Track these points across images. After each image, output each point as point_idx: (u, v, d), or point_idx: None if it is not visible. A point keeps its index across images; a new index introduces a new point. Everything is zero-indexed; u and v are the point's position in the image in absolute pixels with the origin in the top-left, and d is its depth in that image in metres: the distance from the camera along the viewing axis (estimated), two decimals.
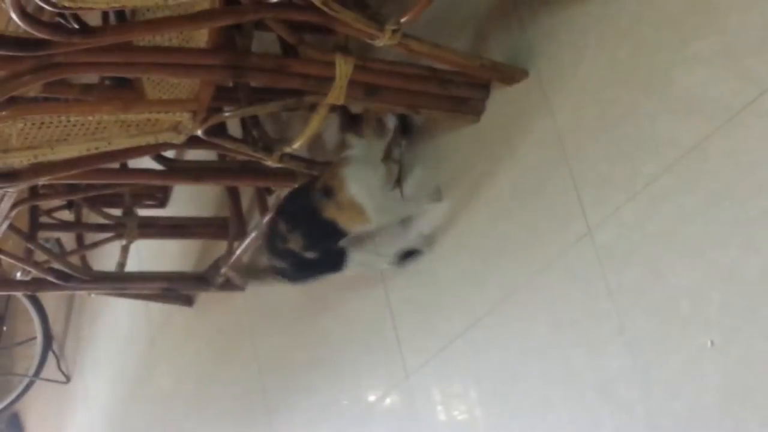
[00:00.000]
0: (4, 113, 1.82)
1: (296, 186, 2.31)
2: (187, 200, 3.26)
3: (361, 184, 2.18)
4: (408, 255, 2.27)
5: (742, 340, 1.64)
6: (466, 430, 2.22)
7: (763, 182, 1.61)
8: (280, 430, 2.95)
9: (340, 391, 2.66)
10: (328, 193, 2.18)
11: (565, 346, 1.96)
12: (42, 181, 2.24)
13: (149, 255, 3.48)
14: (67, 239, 3.48)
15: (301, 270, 2.28)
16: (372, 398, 2.54)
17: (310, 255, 2.23)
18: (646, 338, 1.80)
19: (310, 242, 2.21)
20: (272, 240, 2.26)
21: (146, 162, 2.45)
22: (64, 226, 3.04)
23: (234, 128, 2.43)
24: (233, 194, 2.92)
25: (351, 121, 2.24)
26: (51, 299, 4.43)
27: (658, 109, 1.79)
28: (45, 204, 2.88)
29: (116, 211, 2.97)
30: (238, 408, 3.21)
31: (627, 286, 1.84)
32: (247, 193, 2.94)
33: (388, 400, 2.48)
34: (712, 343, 1.68)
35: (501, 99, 2.12)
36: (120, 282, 2.95)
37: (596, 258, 1.89)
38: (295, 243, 2.22)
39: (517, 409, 2.07)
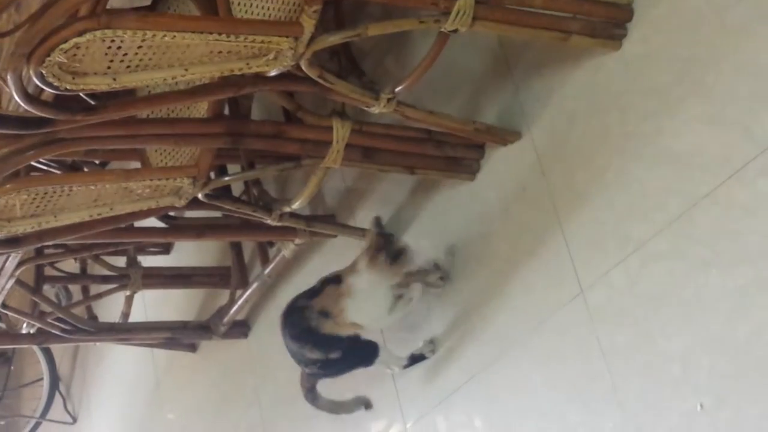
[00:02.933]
0: (8, 186, 1.86)
1: (293, 302, 2.32)
2: (190, 248, 3.30)
3: (362, 315, 2.23)
4: (416, 359, 2.30)
5: (731, 404, 1.67)
6: None
7: (749, 250, 1.65)
8: None
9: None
10: (327, 315, 2.23)
11: (560, 404, 2.00)
12: (46, 244, 2.29)
13: (154, 302, 3.52)
14: (73, 287, 3.52)
15: (334, 368, 2.32)
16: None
17: (334, 356, 2.27)
18: (639, 399, 1.83)
19: (324, 350, 2.26)
20: (294, 356, 2.32)
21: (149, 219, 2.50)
22: (69, 278, 3.08)
23: (235, 185, 2.48)
24: (235, 245, 2.96)
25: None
26: None
27: (648, 175, 1.83)
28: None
29: (121, 260, 3.01)
30: None
31: (619, 346, 1.87)
32: (249, 243, 2.98)
33: None
34: (701, 406, 1.71)
35: (496, 159, 2.16)
36: (124, 333, 2.98)
37: (588, 318, 1.93)
38: (312, 353, 2.27)
39: None
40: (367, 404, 2.42)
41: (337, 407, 2.44)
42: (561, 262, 1.99)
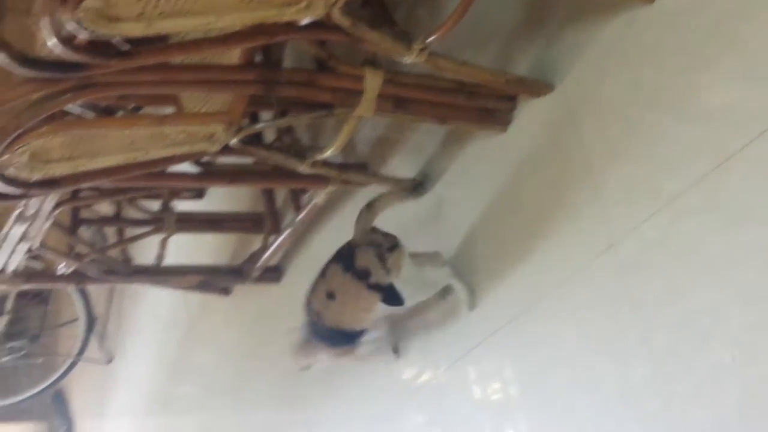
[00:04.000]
0: (44, 129, 1.88)
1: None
2: (223, 194, 3.33)
3: None
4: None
5: (762, 357, 1.67)
6: None
7: None
8: (315, 417, 3.02)
9: (376, 382, 2.72)
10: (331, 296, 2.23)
11: (589, 355, 2.01)
12: (82, 186, 2.32)
13: (187, 247, 3.56)
14: (108, 230, 3.56)
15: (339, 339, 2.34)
16: (407, 390, 2.60)
17: None
18: (669, 351, 1.83)
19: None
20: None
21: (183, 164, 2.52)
22: (104, 221, 3.12)
23: (267, 132, 2.49)
24: (268, 192, 2.98)
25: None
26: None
27: (680, 129, 1.81)
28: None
29: (155, 205, 3.04)
30: (274, 394, 3.28)
31: (649, 299, 1.87)
32: (281, 189, 3.00)
33: (418, 400, 2.54)
34: (732, 358, 1.72)
35: (528, 111, 2.15)
36: (158, 275, 3.02)
37: (619, 271, 1.93)
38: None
39: (541, 414, 2.12)
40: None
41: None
42: (592, 215, 1.98)
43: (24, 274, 2.79)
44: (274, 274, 3.12)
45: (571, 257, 2.04)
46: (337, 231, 2.88)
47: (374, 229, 2.27)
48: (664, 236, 1.84)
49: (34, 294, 4.77)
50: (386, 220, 2.32)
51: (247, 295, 3.39)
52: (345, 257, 2.22)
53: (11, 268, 2.69)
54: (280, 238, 2.87)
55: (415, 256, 2.28)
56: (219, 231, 3.18)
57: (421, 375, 2.53)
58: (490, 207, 2.27)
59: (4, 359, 4.36)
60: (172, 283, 3.16)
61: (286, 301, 3.16)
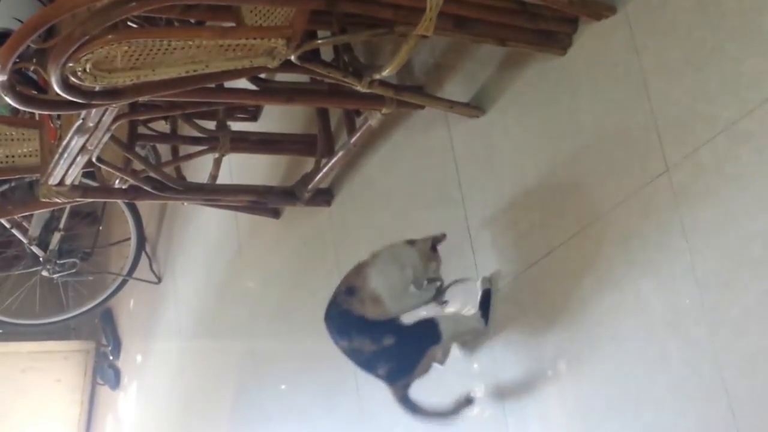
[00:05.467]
0: (109, 37, 1.91)
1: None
2: (277, 116, 3.35)
3: (382, 280, 2.27)
4: (486, 300, 2.36)
5: None
6: (541, 352, 2.31)
7: None
8: None
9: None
10: (351, 292, 2.29)
11: (637, 279, 2.02)
12: (142, 98, 2.35)
13: (240, 168, 3.60)
14: (163, 148, 3.60)
15: (402, 356, 2.29)
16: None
17: (388, 342, 2.27)
18: (717, 277, 1.85)
19: (373, 338, 2.27)
20: (359, 359, 2.32)
21: (241, 81, 2.54)
22: (160, 137, 3.16)
23: (326, 51, 2.50)
24: (322, 113, 3.00)
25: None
26: (145, 203, 4.59)
27: (744, 53, 1.80)
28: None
29: (210, 125, 3.07)
30: (319, 318, 3.32)
31: (701, 225, 1.88)
32: (336, 111, 3.01)
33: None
34: None
35: (588, 34, 2.15)
36: (211, 193, 3.06)
37: (672, 197, 1.94)
38: (365, 345, 2.29)
39: (587, 337, 2.14)
40: (469, 400, 2.32)
41: (440, 413, 2.32)
42: (648, 139, 1.99)
43: (81, 188, 2.84)
44: (324, 197, 3.15)
45: (625, 182, 2.05)
46: (390, 156, 2.90)
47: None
48: (720, 162, 1.85)
49: (86, 213, 4.86)
50: None
51: (296, 218, 3.42)
52: None
53: (69, 180, 2.74)
54: (333, 160, 2.89)
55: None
56: (272, 152, 3.21)
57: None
58: (545, 132, 2.28)
59: (56, 276, 4.44)
60: (224, 202, 3.20)
61: (335, 225, 3.19)
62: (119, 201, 4.36)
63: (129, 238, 4.52)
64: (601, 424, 2.09)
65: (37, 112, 2.58)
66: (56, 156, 2.57)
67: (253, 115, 3.39)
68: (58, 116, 2.59)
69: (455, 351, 2.39)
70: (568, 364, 2.22)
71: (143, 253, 4.57)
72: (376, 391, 2.40)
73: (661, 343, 1.95)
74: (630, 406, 2.02)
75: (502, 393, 2.37)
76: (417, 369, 2.26)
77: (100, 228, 4.77)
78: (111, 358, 5.17)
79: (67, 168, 2.63)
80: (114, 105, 2.25)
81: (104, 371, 5.21)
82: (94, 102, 2.17)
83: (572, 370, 2.20)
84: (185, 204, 3.62)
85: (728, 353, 1.81)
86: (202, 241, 4.24)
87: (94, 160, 2.66)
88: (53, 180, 2.68)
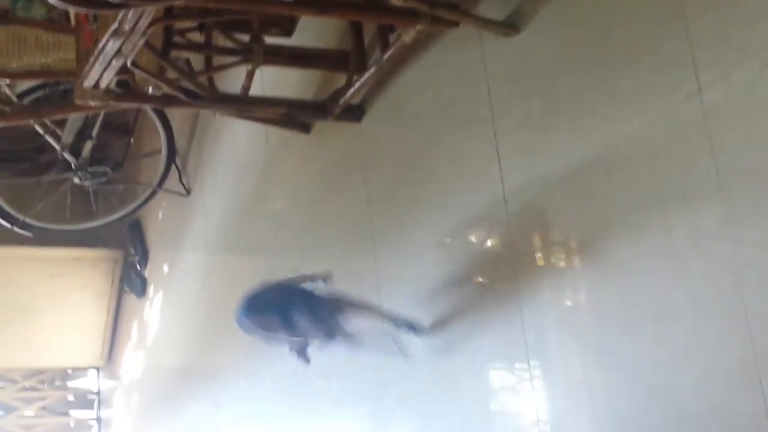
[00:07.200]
0: None
1: None
2: (311, 31, 3.36)
3: None
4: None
5: None
6: (561, 267, 2.34)
7: None
8: (383, 258, 3.10)
9: (443, 227, 2.79)
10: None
11: (662, 197, 2.04)
12: (178, 2, 2.37)
13: (271, 81, 3.62)
14: (196, 61, 3.62)
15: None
16: (473, 233, 2.66)
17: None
18: (744, 197, 1.86)
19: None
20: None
21: None
22: (194, 47, 3.17)
23: None
24: (356, 29, 3.00)
25: None
26: (177, 116, 4.63)
27: None
28: (178, 25, 3.01)
29: (244, 38, 3.08)
30: (344, 235, 3.36)
31: (730, 146, 1.89)
32: (369, 28, 3.02)
33: (487, 238, 2.60)
34: None
35: None
36: (243, 104, 3.09)
37: (703, 117, 1.94)
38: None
39: (607, 255, 2.17)
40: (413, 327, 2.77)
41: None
42: (681, 59, 1.99)
43: (115, 92, 2.88)
44: (355, 113, 3.17)
45: (656, 102, 2.06)
46: (422, 75, 2.91)
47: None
48: (753, 84, 1.85)
49: (118, 124, 4.90)
50: None
51: (326, 134, 3.45)
52: None
53: (104, 84, 2.77)
54: (365, 76, 2.90)
55: None
56: (305, 66, 3.22)
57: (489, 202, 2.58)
58: (578, 51, 2.28)
59: (87, 183, 4.49)
60: (256, 114, 3.23)
61: (365, 142, 3.22)
62: (151, 113, 4.40)
63: (160, 151, 4.57)
64: (617, 339, 2.13)
65: (75, 9, 2.60)
66: (92, 59, 2.60)
67: (287, 31, 3.39)
68: (95, 19, 2.62)
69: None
70: (586, 280, 2.25)
71: (173, 166, 4.62)
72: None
73: (682, 261, 1.98)
74: (647, 322, 2.05)
75: (521, 302, 2.42)
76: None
77: (132, 140, 4.81)
78: (138, 267, 5.26)
79: (102, 71, 2.66)
80: (151, 6, 2.27)
81: (131, 280, 5.30)
82: (131, 2, 2.19)
83: (590, 287, 2.24)
84: (217, 116, 3.65)
85: (749, 272, 1.83)
86: (232, 155, 4.28)
87: (128, 64, 2.69)
88: (88, 83, 2.71)
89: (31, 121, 4.04)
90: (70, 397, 6.15)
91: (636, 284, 2.08)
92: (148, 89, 3.05)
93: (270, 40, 3.19)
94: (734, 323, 1.84)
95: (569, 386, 2.28)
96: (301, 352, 2.75)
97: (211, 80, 3.23)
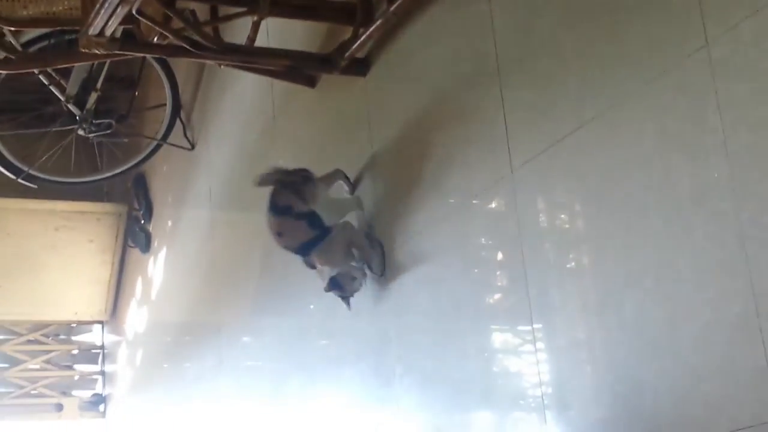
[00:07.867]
0: None
1: None
2: None
3: None
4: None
5: None
6: (564, 226, 2.34)
7: None
8: (386, 214, 3.09)
9: (447, 182, 2.78)
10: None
11: (667, 154, 2.03)
12: None
13: (277, 33, 3.59)
14: (201, 11, 3.60)
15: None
16: (477, 191, 2.65)
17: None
18: (749, 153, 1.85)
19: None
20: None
21: None
22: None
23: None
24: None
25: None
26: (182, 69, 4.61)
27: None
28: None
29: None
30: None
31: (737, 101, 1.88)
32: None
33: (492, 196, 2.59)
34: None
35: None
36: (248, 55, 3.07)
37: (710, 71, 1.93)
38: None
39: (614, 211, 2.16)
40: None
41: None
42: (689, 13, 1.97)
43: (120, 40, 2.86)
44: (360, 67, 3.15)
45: (663, 55, 2.04)
46: (428, 30, 2.89)
47: (281, 170, 3.08)
48: (761, 37, 1.83)
49: (123, 77, 4.88)
50: None
51: (331, 88, 3.43)
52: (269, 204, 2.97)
53: (109, 31, 2.75)
54: (371, 29, 2.88)
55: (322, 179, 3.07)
56: (311, 18, 3.19)
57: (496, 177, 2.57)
58: (585, 5, 2.26)
59: (91, 135, 4.48)
60: (261, 65, 3.21)
61: (370, 97, 3.20)
62: (156, 65, 4.38)
63: (164, 104, 4.55)
64: (620, 296, 2.12)
65: None
66: (97, 6, 2.59)
67: None
68: None
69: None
70: (588, 236, 2.24)
71: (178, 119, 4.60)
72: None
73: (685, 216, 1.97)
74: (649, 278, 2.05)
75: (524, 262, 2.41)
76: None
77: (136, 92, 4.79)
78: (142, 221, 5.26)
79: (107, 18, 2.65)
80: None
81: (135, 234, 5.30)
82: None
83: (592, 244, 2.23)
84: (222, 67, 3.62)
85: (753, 228, 1.82)
86: (237, 109, 4.26)
87: (134, 12, 2.67)
88: (93, 30, 2.70)
89: (36, 71, 4.02)
90: (75, 351, 6.18)
91: (639, 242, 2.08)
92: (153, 39, 3.04)
93: None
94: (737, 278, 1.83)
95: (572, 344, 2.28)
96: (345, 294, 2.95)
97: (216, 31, 3.21)
